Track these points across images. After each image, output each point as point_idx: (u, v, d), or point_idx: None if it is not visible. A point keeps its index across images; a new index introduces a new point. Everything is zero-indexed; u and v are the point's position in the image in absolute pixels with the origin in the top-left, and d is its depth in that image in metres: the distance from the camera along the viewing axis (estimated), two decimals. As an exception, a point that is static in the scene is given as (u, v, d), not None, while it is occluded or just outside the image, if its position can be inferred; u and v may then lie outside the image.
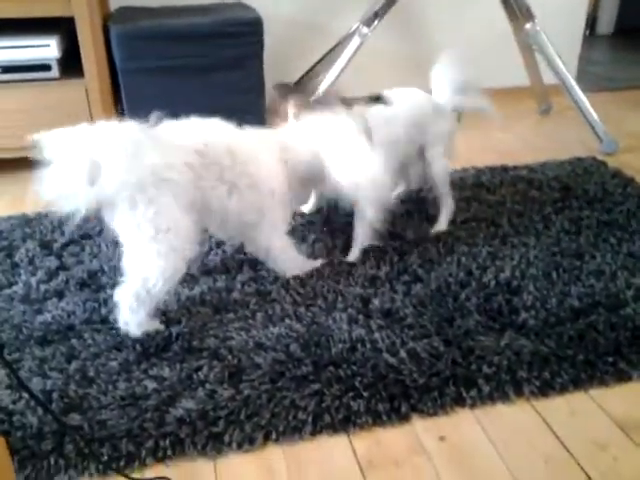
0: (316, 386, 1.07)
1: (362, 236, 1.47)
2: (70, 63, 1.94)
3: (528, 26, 2.18)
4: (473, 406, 1.06)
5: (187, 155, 1.17)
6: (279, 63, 2.32)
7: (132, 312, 1.17)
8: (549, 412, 1.05)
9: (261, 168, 1.28)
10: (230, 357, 1.14)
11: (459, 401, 1.06)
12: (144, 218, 1.11)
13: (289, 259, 1.39)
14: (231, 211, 1.24)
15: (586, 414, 1.05)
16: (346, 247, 1.50)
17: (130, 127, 1.13)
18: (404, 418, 1.03)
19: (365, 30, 2.15)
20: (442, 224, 1.61)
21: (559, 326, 1.22)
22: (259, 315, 1.26)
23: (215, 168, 1.20)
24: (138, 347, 1.16)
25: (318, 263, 1.44)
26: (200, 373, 1.10)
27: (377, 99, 1.52)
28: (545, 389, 1.08)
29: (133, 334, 1.19)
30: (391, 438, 1.00)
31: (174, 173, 1.13)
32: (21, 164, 1.98)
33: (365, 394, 1.06)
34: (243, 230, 1.32)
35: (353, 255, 1.47)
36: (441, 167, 1.60)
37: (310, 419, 1.02)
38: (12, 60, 1.85)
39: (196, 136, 1.23)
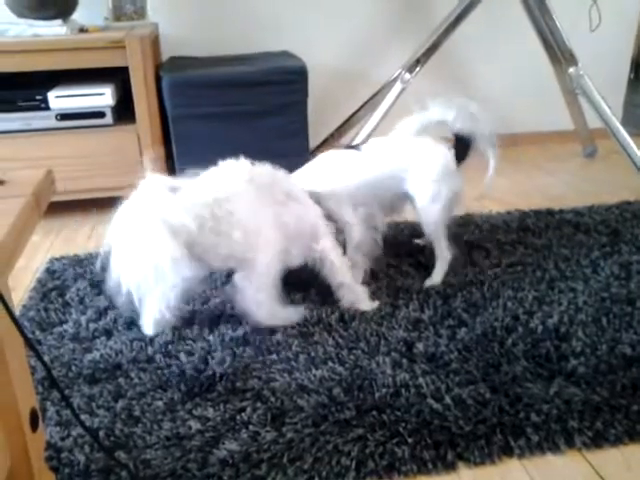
0: (359, 431, 1.06)
1: (355, 259, 1.51)
2: (123, 110, 2.03)
3: (572, 70, 2.19)
4: (521, 456, 1.02)
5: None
6: (323, 109, 2.38)
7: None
8: (603, 465, 1.01)
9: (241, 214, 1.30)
10: (273, 399, 1.14)
11: (507, 450, 1.03)
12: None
13: (260, 305, 1.33)
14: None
15: (643, 468, 1.00)
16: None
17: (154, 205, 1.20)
18: (450, 467, 1.00)
19: (407, 76, 2.19)
20: (435, 278, 1.55)
21: (611, 374, 1.18)
22: (302, 357, 1.26)
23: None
24: (183, 387, 1.17)
25: (295, 317, 1.38)
26: (243, 414, 1.10)
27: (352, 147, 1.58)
28: (598, 440, 1.04)
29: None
30: (437, 487, 0.98)
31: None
32: (73, 206, 2.07)
33: (410, 440, 1.04)
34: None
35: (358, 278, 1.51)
36: (428, 214, 1.52)
37: (353, 465, 1.00)
38: (69, 108, 1.95)
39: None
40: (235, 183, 1.32)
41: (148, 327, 1.36)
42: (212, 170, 1.35)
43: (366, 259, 1.54)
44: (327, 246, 1.41)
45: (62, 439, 1.05)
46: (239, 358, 1.26)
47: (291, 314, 1.38)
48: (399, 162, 1.53)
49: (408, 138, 1.55)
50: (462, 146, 1.55)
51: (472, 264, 1.62)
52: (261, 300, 1.32)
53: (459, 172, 1.55)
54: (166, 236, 1.16)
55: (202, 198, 1.26)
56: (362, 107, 2.37)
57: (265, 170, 1.38)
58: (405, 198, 1.58)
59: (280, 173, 1.41)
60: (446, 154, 1.53)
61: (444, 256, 1.56)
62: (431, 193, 1.51)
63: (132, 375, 1.22)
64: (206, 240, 1.24)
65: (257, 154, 2.05)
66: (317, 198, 1.47)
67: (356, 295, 1.43)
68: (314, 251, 1.39)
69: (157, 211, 1.19)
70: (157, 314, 1.33)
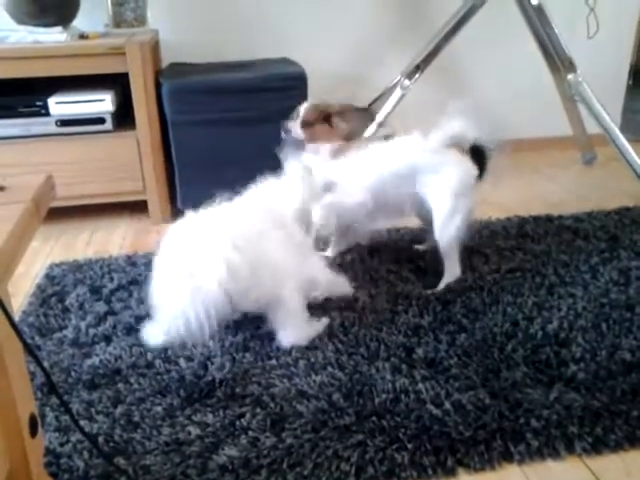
0: (359, 437, 1.06)
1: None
2: (123, 116, 2.03)
3: (570, 77, 2.19)
4: (521, 462, 1.02)
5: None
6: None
7: None
8: (603, 471, 1.00)
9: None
10: (272, 405, 1.14)
11: (507, 456, 1.03)
12: None
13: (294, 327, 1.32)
14: None
15: (643, 474, 1.00)
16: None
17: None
18: (450, 472, 1.00)
19: (407, 82, 2.20)
20: (440, 286, 1.54)
21: (611, 380, 1.18)
22: (301, 363, 1.26)
23: None
24: (182, 392, 1.17)
25: (321, 328, 1.37)
26: (243, 420, 1.10)
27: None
28: (598, 446, 1.04)
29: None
30: (437, 493, 0.98)
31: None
32: (73, 212, 2.07)
33: (409, 446, 1.04)
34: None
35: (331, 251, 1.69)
36: (445, 228, 1.51)
37: (353, 471, 1.00)
38: (69, 114, 1.96)
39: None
40: (255, 218, 1.30)
41: (155, 337, 1.29)
42: (224, 205, 1.31)
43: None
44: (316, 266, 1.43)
45: (61, 445, 1.05)
46: (239, 364, 1.26)
47: (318, 327, 1.37)
48: (420, 164, 1.51)
49: (437, 145, 1.51)
50: (480, 160, 1.53)
51: (472, 270, 1.62)
52: (299, 329, 1.33)
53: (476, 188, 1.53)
54: (233, 254, 1.16)
55: (244, 232, 1.23)
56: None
57: (276, 197, 1.39)
58: (414, 203, 1.57)
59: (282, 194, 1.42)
60: (470, 169, 1.51)
61: (453, 272, 1.55)
62: (450, 207, 1.50)
63: (131, 381, 1.21)
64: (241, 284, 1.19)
65: (256, 160, 2.06)
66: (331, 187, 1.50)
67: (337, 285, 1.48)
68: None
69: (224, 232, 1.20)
70: (176, 327, 1.20)
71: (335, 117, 1.62)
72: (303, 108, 1.64)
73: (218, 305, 1.14)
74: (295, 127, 1.63)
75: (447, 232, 1.51)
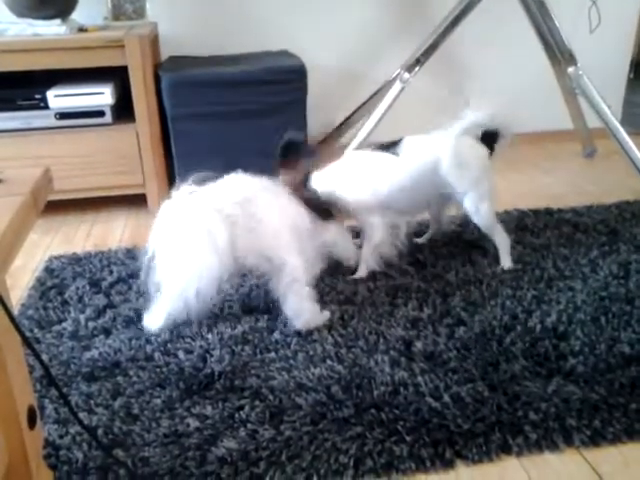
0: (358, 429, 1.06)
1: (368, 257, 1.58)
2: (122, 109, 2.03)
3: (571, 70, 2.19)
4: (520, 454, 1.02)
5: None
6: (322, 108, 2.38)
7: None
8: (601, 463, 1.01)
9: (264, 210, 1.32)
10: (271, 397, 1.14)
11: (505, 448, 1.03)
12: None
13: (303, 310, 1.34)
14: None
15: (641, 466, 1.00)
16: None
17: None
18: (448, 464, 1.00)
19: (406, 76, 2.19)
20: (505, 262, 1.60)
21: (609, 373, 1.18)
22: (300, 355, 1.26)
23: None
24: (181, 385, 1.17)
25: (327, 315, 1.39)
26: (242, 412, 1.10)
27: (388, 147, 1.58)
28: (596, 438, 1.04)
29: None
30: (435, 485, 0.98)
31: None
32: (72, 205, 2.07)
33: (408, 439, 1.04)
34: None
35: (360, 273, 1.58)
36: (480, 212, 1.57)
37: (352, 463, 1.00)
38: (69, 107, 1.95)
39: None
40: (252, 188, 1.34)
41: (156, 321, 1.35)
42: (225, 179, 1.35)
43: (380, 261, 1.59)
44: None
45: (60, 437, 1.05)
46: (238, 356, 1.26)
47: (325, 315, 1.39)
48: (439, 162, 1.54)
49: (447, 137, 1.55)
50: (489, 141, 1.59)
51: (471, 263, 1.62)
52: (305, 307, 1.33)
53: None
54: (219, 223, 1.21)
55: (231, 197, 1.29)
56: (361, 106, 2.37)
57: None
58: (443, 196, 1.61)
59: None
60: (485, 152, 1.57)
61: (505, 243, 1.62)
62: (479, 193, 1.56)
63: (131, 373, 1.22)
64: (240, 236, 1.26)
65: (256, 153, 2.06)
66: (335, 200, 1.53)
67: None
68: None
69: (207, 202, 1.24)
70: (174, 305, 1.28)
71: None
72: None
73: (216, 275, 1.20)
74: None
75: (482, 214, 1.58)
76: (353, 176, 1.58)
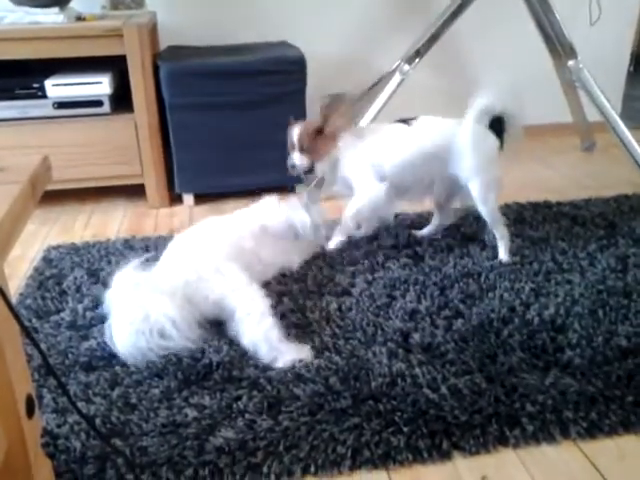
0: (355, 420, 1.06)
1: (347, 220, 1.63)
2: (120, 98, 2.02)
3: (571, 63, 2.18)
4: (516, 446, 1.03)
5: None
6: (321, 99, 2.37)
7: None
8: (597, 455, 1.01)
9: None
10: (269, 388, 1.14)
11: (502, 440, 1.04)
12: None
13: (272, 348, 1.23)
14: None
15: (637, 458, 1.01)
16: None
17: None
18: (445, 456, 1.01)
19: (406, 67, 2.18)
20: (504, 255, 1.60)
21: (606, 366, 1.19)
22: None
23: None
24: (180, 375, 1.17)
25: (306, 351, 1.25)
26: (240, 403, 1.10)
27: (404, 121, 1.61)
28: (593, 431, 1.05)
29: None
30: (432, 476, 0.98)
31: None
32: (70, 195, 2.06)
33: (405, 430, 1.04)
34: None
35: (333, 242, 1.65)
36: (486, 202, 1.58)
37: (349, 453, 1.00)
38: (66, 97, 1.94)
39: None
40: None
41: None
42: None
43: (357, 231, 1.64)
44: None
45: (58, 426, 1.05)
46: (236, 347, 1.26)
47: (299, 351, 1.24)
48: (452, 143, 1.55)
49: (463, 120, 1.56)
50: (497, 129, 1.58)
51: (469, 256, 1.62)
52: (262, 333, 1.23)
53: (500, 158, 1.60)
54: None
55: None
56: (361, 97, 2.36)
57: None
58: (448, 182, 1.63)
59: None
60: (496, 142, 1.56)
61: (505, 235, 1.62)
62: (486, 181, 1.56)
63: (128, 363, 1.22)
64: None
65: (255, 144, 2.06)
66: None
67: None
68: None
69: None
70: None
71: (325, 125, 1.62)
72: (294, 136, 1.63)
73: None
74: (297, 159, 1.63)
75: (488, 205, 1.58)
76: (369, 143, 1.61)
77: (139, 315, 1.22)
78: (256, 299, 1.28)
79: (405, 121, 1.61)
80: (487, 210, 1.59)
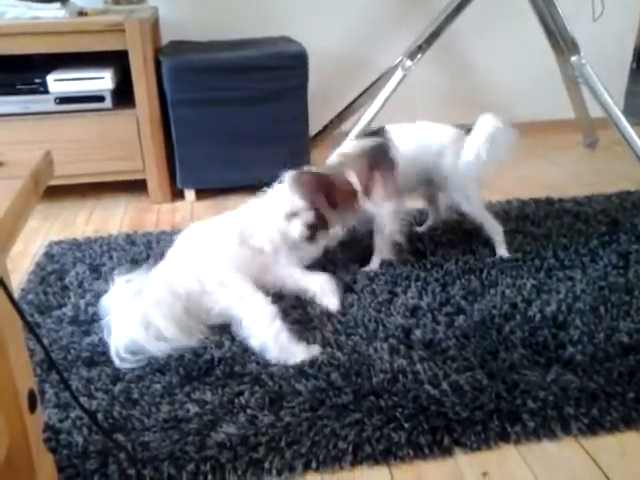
0: (357, 416, 1.06)
1: (382, 248, 1.57)
2: (122, 94, 2.02)
3: (574, 59, 2.17)
4: (518, 442, 1.03)
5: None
6: (323, 94, 2.37)
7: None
8: (599, 451, 1.01)
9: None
10: (271, 383, 1.14)
11: (503, 436, 1.04)
12: None
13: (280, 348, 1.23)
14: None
15: (638, 455, 1.01)
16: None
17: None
18: (446, 452, 1.01)
19: (408, 63, 2.17)
20: (501, 251, 1.61)
21: (608, 362, 1.19)
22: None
23: None
24: (181, 370, 1.18)
25: (315, 351, 1.25)
26: (241, 398, 1.10)
27: (375, 133, 1.57)
28: (594, 427, 1.05)
29: None
30: (433, 472, 0.98)
31: None
32: (72, 191, 2.06)
33: (406, 425, 1.04)
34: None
35: (374, 264, 1.57)
36: (471, 202, 1.58)
37: (350, 449, 1.00)
38: (68, 92, 1.94)
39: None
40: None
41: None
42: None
43: (392, 249, 1.58)
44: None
45: (60, 421, 1.06)
46: (237, 342, 1.26)
47: (309, 351, 1.24)
48: (433, 150, 1.55)
49: (444, 128, 1.58)
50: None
51: (471, 252, 1.62)
52: (272, 335, 1.23)
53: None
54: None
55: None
56: (363, 93, 2.35)
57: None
58: (430, 184, 1.62)
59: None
60: (480, 147, 1.52)
61: (497, 230, 1.62)
62: (472, 186, 1.57)
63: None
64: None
65: (256, 139, 2.05)
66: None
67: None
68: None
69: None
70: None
71: (338, 182, 1.46)
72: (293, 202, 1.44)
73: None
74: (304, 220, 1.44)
75: (474, 205, 1.60)
76: None
77: (138, 330, 1.22)
78: (263, 306, 1.28)
79: (375, 133, 1.57)
80: (474, 212, 1.60)
